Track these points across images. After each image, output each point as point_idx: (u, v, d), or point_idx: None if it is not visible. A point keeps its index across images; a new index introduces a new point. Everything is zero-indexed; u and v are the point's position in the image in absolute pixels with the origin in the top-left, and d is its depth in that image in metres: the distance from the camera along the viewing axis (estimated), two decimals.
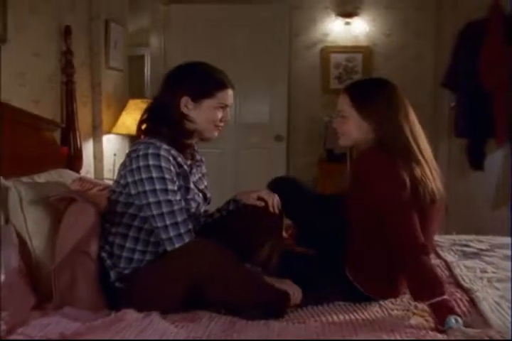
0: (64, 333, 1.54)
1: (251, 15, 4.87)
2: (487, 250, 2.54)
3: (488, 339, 1.56)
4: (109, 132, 3.67)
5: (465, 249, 2.58)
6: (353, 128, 2.02)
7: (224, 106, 2.03)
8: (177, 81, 2.02)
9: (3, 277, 1.65)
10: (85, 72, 3.35)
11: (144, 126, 2.05)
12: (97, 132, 3.52)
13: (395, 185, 1.86)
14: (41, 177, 2.52)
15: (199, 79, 2.01)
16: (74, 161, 3.07)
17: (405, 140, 1.93)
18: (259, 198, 2.11)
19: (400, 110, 1.96)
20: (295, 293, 1.89)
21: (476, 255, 2.47)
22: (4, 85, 2.46)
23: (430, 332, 1.63)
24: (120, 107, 3.75)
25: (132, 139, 3.97)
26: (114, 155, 3.67)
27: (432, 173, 1.93)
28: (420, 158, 1.93)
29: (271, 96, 5.00)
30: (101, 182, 3.00)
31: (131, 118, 3.56)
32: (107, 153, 3.63)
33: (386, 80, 2.09)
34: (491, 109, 4.50)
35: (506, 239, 2.71)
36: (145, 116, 2.06)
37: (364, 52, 4.96)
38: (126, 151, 3.96)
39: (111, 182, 3.05)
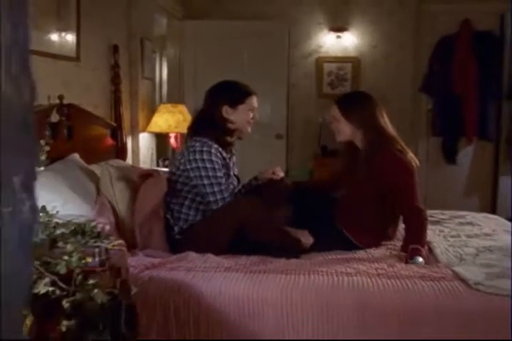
0: (152, 263, 2.27)
1: (255, 30, 5.38)
2: (446, 219, 3.22)
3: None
4: (143, 131, 4.27)
5: (430, 218, 3.18)
6: (343, 128, 2.76)
7: (253, 109, 2.76)
8: (216, 95, 2.75)
9: (109, 227, 2.37)
10: (126, 82, 3.99)
11: (193, 129, 2.75)
12: (134, 131, 4.13)
13: (409, 171, 2.61)
14: None
15: (232, 92, 2.75)
16: (120, 153, 3.72)
17: (381, 128, 2.68)
18: (273, 173, 2.82)
19: (376, 110, 2.71)
20: (306, 239, 2.58)
21: (437, 222, 3.14)
22: (79, 93, 3.18)
23: (398, 262, 2.38)
24: (151, 110, 4.35)
25: (159, 137, 4.66)
26: (152, 149, 4.34)
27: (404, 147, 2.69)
28: (395, 138, 2.68)
29: (272, 99, 5.41)
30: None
31: (162, 120, 4.16)
32: (141, 148, 4.24)
33: (364, 92, 2.87)
34: (462, 111, 5.23)
35: (463, 213, 3.44)
36: (195, 123, 2.77)
37: (353, 61, 5.51)
38: (155, 147, 4.63)
39: None
